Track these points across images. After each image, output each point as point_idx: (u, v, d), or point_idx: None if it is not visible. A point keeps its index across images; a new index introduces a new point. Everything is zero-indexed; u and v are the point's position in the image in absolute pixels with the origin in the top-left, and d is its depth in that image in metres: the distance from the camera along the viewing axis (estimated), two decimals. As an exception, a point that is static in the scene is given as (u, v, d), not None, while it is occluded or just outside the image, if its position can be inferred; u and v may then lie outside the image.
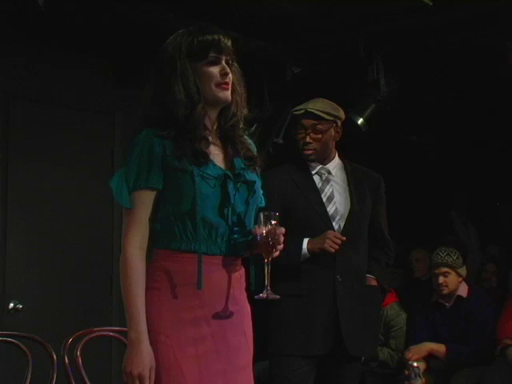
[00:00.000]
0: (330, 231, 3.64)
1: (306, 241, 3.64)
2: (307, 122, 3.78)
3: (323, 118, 3.77)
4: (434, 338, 5.14)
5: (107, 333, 3.45)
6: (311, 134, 3.77)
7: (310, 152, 3.78)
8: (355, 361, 3.76)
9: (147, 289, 2.34)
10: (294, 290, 3.66)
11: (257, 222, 2.38)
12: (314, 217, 3.70)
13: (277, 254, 2.39)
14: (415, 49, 5.63)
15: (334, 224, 3.71)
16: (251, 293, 2.46)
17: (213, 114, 2.42)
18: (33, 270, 4.67)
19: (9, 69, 4.57)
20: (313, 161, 3.81)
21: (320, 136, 3.77)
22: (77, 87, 4.88)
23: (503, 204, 7.58)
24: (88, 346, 3.29)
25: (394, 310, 5.46)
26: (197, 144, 2.33)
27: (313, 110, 3.77)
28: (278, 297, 2.42)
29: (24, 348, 3.31)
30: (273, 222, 2.36)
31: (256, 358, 2.61)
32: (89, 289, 4.76)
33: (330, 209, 3.74)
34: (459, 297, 5.13)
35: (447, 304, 5.16)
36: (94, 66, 4.99)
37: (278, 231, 2.36)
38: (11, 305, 4.54)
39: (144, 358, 2.25)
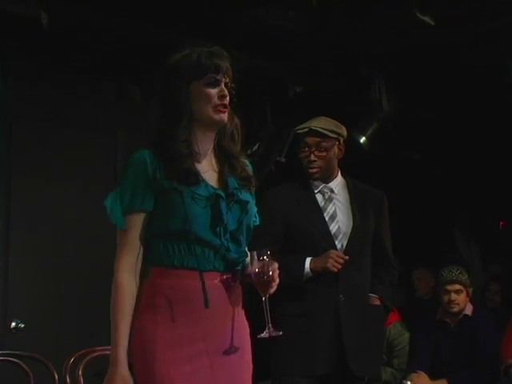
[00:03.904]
0: (333, 250, 3.63)
1: (308, 260, 3.63)
2: (311, 140, 3.78)
3: (327, 136, 3.77)
4: (436, 357, 5.12)
5: (109, 352, 3.43)
6: (315, 152, 3.77)
7: (314, 171, 3.77)
8: (358, 381, 3.74)
9: (144, 307, 2.35)
10: (296, 310, 3.65)
11: (249, 260, 2.39)
12: (316, 236, 3.69)
13: (273, 289, 2.39)
14: (417, 68, 5.65)
15: (336, 243, 3.70)
16: (248, 309, 2.46)
17: (208, 133, 2.43)
18: (35, 289, 4.66)
19: (12, 88, 4.58)
20: (317, 179, 3.80)
21: (324, 154, 3.77)
22: (79, 105, 4.89)
23: (506, 223, 7.57)
24: (90, 365, 3.27)
25: (396, 330, 5.43)
26: (184, 163, 2.34)
27: (317, 128, 3.77)
28: (280, 333, 2.40)
29: (26, 367, 3.30)
30: (265, 259, 2.36)
31: (258, 378, 2.60)
32: (91, 308, 4.74)
33: (333, 227, 3.72)
34: (464, 316, 5.11)
35: (452, 323, 5.13)
36: (96, 85, 5.01)
37: (270, 268, 2.36)
38: (13, 324, 4.52)
39: (117, 382, 2.28)
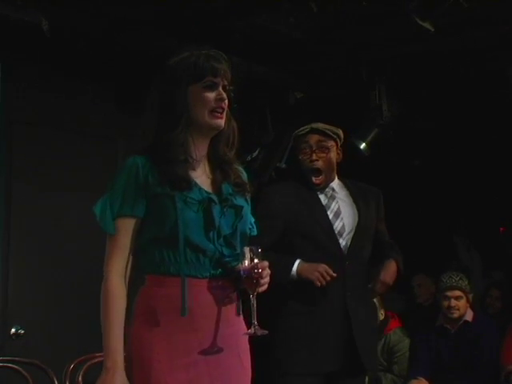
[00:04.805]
0: (323, 265, 3.56)
1: (297, 263, 3.60)
2: (313, 139, 3.78)
3: (328, 135, 3.79)
4: (437, 363, 5.11)
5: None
6: (317, 151, 3.77)
7: (319, 181, 3.77)
8: (360, 375, 3.73)
9: (140, 315, 2.34)
10: (304, 308, 3.63)
11: (240, 257, 2.37)
12: (319, 233, 3.67)
13: (264, 288, 2.37)
14: (417, 74, 5.66)
15: (340, 240, 3.67)
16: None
17: (204, 138, 2.43)
18: (35, 296, 4.66)
19: (12, 93, 4.59)
20: (320, 189, 3.80)
21: (325, 154, 3.77)
22: (80, 113, 4.89)
23: (506, 229, 7.57)
24: (89, 371, 3.27)
25: (396, 336, 5.43)
26: (178, 169, 2.34)
27: (318, 126, 3.80)
28: (266, 332, 2.38)
29: (25, 373, 3.30)
30: (255, 258, 2.34)
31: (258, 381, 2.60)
32: (91, 314, 4.73)
33: (338, 225, 3.70)
34: (465, 322, 5.10)
35: (452, 329, 5.13)
36: (96, 92, 5.01)
37: (259, 265, 2.33)
38: (13, 330, 4.51)
39: None
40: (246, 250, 2.36)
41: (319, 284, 3.54)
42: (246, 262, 2.34)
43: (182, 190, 2.32)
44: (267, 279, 2.37)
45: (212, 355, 2.33)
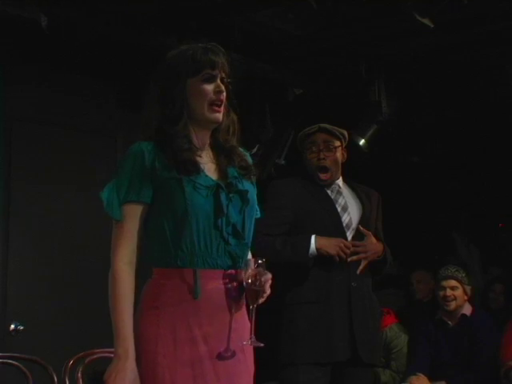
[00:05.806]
0: (341, 240, 3.66)
1: (313, 238, 3.64)
2: (320, 138, 3.84)
3: (335, 135, 3.86)
4: (436, 358, 5.11)
5: (108, 354, 3.43)
6: (324, 150, 3.83)
7: (326, 177, 3.81)
8: (366, 368, 3.75)
9: (146, 308, 2.33)
10: (311, 297, 3.66)
11: (244, 267, 2.35)
12: (328, 225, 3.73)
13: (263, 300, 2.35)
14: (416, 70, 5.66)
15: (347, 233, 3.75)
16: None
17: (204, 130, 2.42)
18: (34, 292, 4.66)
19: (12, 92, 4.58)
20: (327, 185, 3.83)
21: (332, 153, 3.83)
22: (79, 109, 4.89)
23: (505, 225, 7.57)
24: (89, 367, 3.28)
25: (393, 332, 5.42)
26: (185, 154, 2.33)
27: (325, 126, 3.85)
28: (261, 344, 2.37)
29: (25, 370, 3.30)
30: (259, 268, 2.32)
31: (260, 380, 2.59)
32: (91, 310, 4.74)
33: (345, 218, 3.78)
34: (463, 315, 5.10)
35: (451, 322, 5.12)
36: (95, 89, 5.01)
37: (263, 278, 2.32)
38: (12, 326, 4.52)
39: (127, 375, 2.24)
40: (250, 260, 2.34)
41: (338, 259, 3.61)
42: (249, 273, 2.31)
43: (190, 174, 2.31)
44: (268, 292, 2.36)
45: (216, 350, 2.31)
